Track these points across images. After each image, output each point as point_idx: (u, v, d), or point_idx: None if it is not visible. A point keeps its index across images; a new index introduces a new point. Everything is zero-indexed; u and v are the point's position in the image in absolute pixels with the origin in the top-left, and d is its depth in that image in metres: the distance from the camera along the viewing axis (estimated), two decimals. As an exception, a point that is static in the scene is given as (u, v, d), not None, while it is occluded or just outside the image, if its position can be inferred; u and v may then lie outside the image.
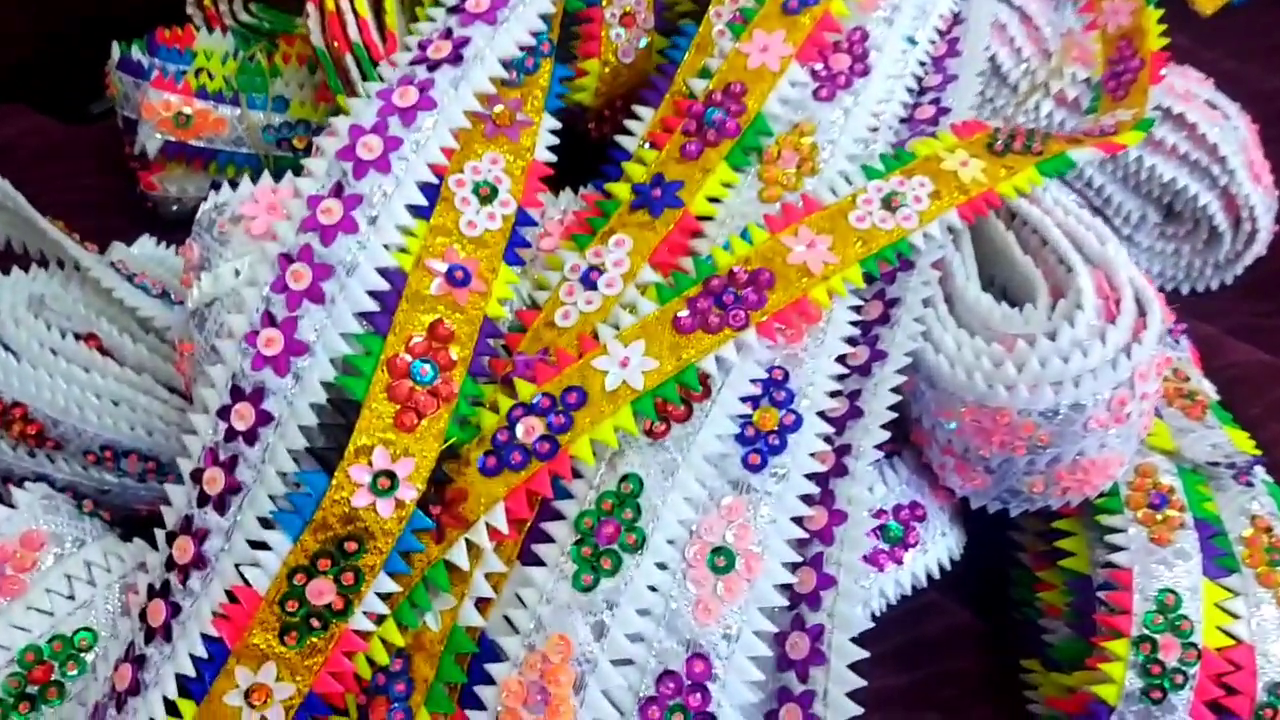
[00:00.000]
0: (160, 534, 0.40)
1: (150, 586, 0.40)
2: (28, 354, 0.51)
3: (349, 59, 0.59)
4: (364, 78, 0.59)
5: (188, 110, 0.64)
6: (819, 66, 0.47)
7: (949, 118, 0.50)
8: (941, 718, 0.50)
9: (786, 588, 0.39)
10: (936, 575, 0.48)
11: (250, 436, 0.38)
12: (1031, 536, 0.51)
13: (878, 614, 0.47)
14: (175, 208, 0.68)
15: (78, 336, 0.52)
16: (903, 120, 0.50)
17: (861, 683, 0.39)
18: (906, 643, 0.51)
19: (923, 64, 0.51)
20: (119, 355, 0.52)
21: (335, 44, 0.59)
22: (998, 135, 0.48)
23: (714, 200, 0.45)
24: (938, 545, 0.47)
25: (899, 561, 0.46)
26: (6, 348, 0.51)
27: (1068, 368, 0.41)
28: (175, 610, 0.38)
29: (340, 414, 0.38)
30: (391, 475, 0.37)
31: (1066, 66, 0.61)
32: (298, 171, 0.42)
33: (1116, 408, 0.42)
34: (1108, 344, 0.41)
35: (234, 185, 0.44)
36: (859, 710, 0.38)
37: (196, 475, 0.39)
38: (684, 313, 0.41)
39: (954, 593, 0.52)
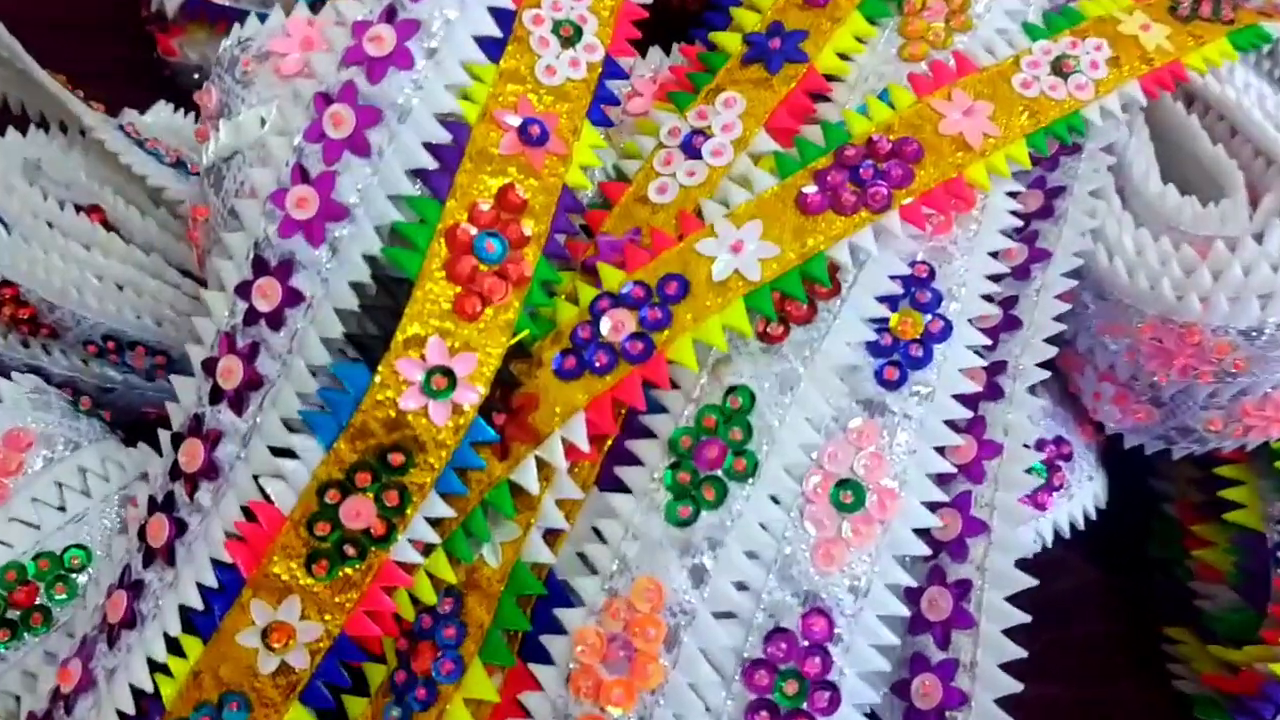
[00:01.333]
0: (165, 435, 0.33)
1: (151, 499, 0.33)
2: (20, 226, 0.44)
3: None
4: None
5: (211, -39, 0.56)
6: (975, -97, 0.39)
7: (1118, -22, 0.41)
8: (1067, 690, 0.43)
9: (926, 533, 0.32)
10: (1081, 526, 0.40)
11: (275, 319, 0.31)
12: (1183, 484, 0.44)
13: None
14: (197, 76, 0.60)
15: (78, 208, 0.45)
16: (1062, -20, 0.41)
17: (1021, 652, 0.32)
18: (1026, 604, 0.44)
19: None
20: (125, 231, 0.45)
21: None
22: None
23: (845, 57, 0.37)
24: (1084, 491, 0.40)
25: (1042, 507, 0.39)
26: (-4, 218, 0.44)
27: (1278, 277, 0.34)
28: (180, 528, 0.32)
29: (388, 295, 0.31)
30: (449, 373, 0.30)
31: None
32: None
33: (1335, 328, 0.34)
34: (1332, 246, 0.33)
35: (262, 18, 0.36)
36: (1018, 686, 0.31)
37: (209, 365, 0.32)
38: (811, 189, 0.33)
39: (1080, 547, 0.44)
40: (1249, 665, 0.38)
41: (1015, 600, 0.33)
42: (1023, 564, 0.33)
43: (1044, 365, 0.36)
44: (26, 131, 0.47)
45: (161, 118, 0.51)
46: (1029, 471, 0.35)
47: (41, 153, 0.46)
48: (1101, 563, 0.45)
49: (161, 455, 0.34)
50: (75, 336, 0.44)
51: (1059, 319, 0.35)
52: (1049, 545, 0.40)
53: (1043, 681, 0.41)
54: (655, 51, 0.40)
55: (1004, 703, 0.32)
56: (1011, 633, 0.32)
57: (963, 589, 0.32)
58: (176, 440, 0.33)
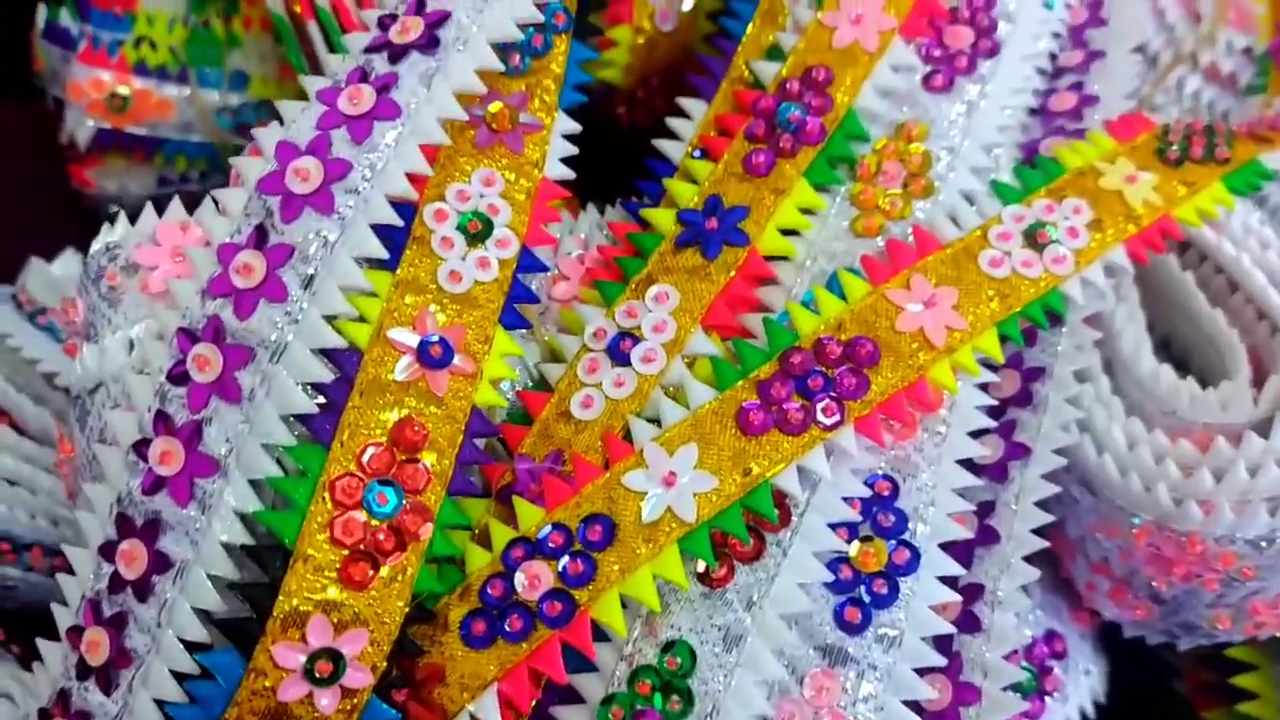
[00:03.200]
0: (32, 708, 0.29)
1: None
2: (-99, 417, 0.40)
3: (313, 27, 0.47)
4: (332, 52, 0.47)
5: (124, 90, 0.52)
6: (931, 44, 0.35)
7: (1096, 110, 0.37)
8: None
9: (898, 802, 0.28)
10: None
11: (142, 588, 0.27)
12: (1192, 661, 0.40)
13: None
14: (115, 209, 0.56)
15: (-35, 395, 0.41)
16: (1033, 112, 0.37)
17: None
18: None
19: (1058, 36, 0.38)
20: (17, 420, 0.41)
21: (296, 7, 0.47)
22: (1169, 137, 0.35)
23: (790, 234, 0.32)
24: (1080, 689, 0.36)
25: (1034, 718, 0.34)
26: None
27: (1290, 478, 0.30)
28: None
29: (261, 565, 0.27)
30: (335, 656, 0.26)
31: (1221, 32, 0.48)
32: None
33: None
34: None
35: (159, 206, 0.32)
36: None
37: (75, 635, 0.28)
38: (753, 403, 0.29)
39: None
40: None
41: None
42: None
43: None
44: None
45: (70, 270, 0.47)
46: (1016, 689, 0.31)
47: (-74, 330, 0.42)
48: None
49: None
50: (-35, 538, 0.40)
51: (1040, 530, 0.31)
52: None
53: None
54: (587, 215, 0.36)
55: None
56: None
57: None
58: (43, 716, 0.29)
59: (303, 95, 0.33)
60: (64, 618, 0.29)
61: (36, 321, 0.42)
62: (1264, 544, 0.30)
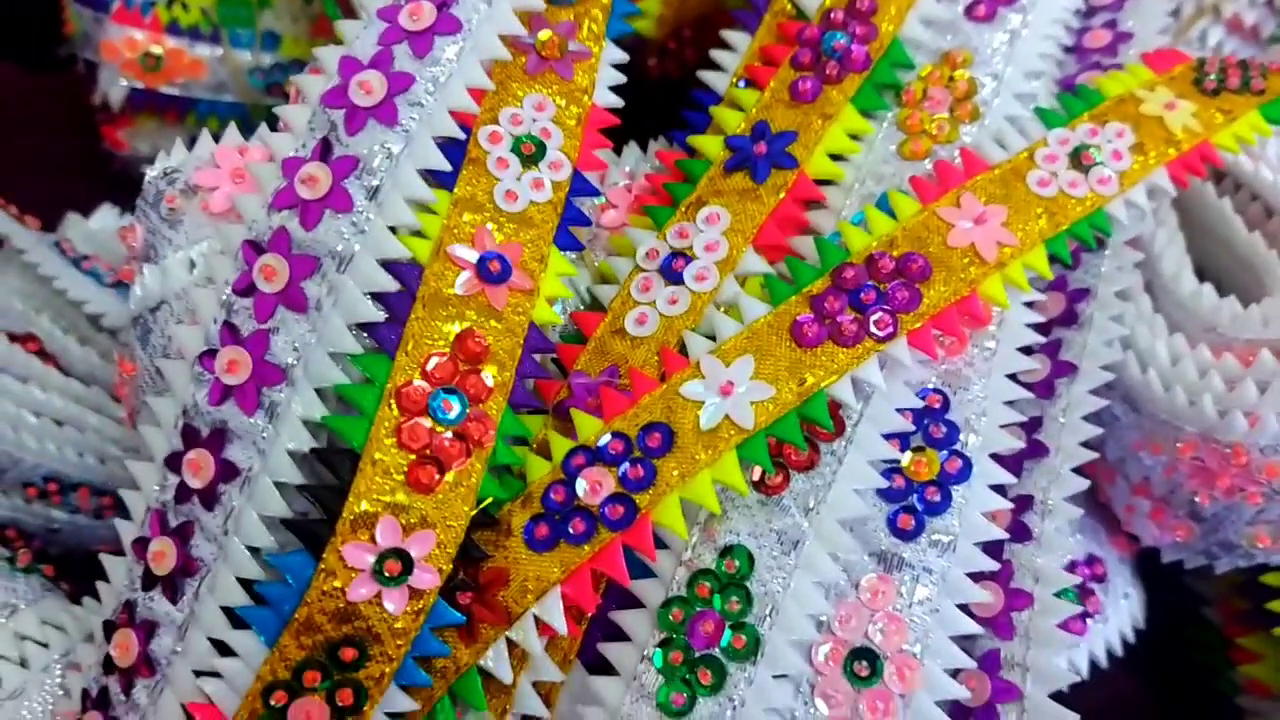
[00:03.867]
0: (96, 622, 0.30)
1: (85, 693, 0.29)
2: (-50, 359, 0.40)
3: (350, -20, 0.47)
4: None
5: (157, 50, 0.53)
6: (973, -26, 0.35)
7: (1130, 46, 0.38)
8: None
9: (954, 704, 0.28)
10: (1119, 651, 0.36)
11: (209, 497, 0.28)
12: (1225, 588, 0.40)
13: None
14: (147, 168, 0.57)
15: (12, 338, 0.42)
16: (1068, 50, 0.38)
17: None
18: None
19: (1092, -27, 0.39)
20: (64, 361, 0.42)
21: (334, -38, 0.47)
22: (1205, 68, 0.36)
23: (838, 158, 0.33)
24: (1120, 612, 0.37)
25: (1078, 634, 0.35)
26: (-77, 352, 0.40)
27: (1332, 388, 0.30)
28: (112, 727, 0.28)
29: (331, 469, 0.27)
30: (403, 556, 0.26)
31: (1244, -17, 0.49)
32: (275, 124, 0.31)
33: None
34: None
35: (190, 144, 0.33)
36: None
37: (140, 546, 0.29)
38: (807, 317, 0.29)
39: (1119, 658, 0.41)
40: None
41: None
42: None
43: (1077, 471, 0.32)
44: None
45: (107, 222, 0.48)
46: (1060, 595, 0.32)
47: (-27, 276, 0.43)
48: (1142, 674, 0.41)
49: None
50: (13, 478, 0.40)
51: (1088, 444, 0.31)
52: (1084, 676, 0.36)
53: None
54: (631, 150, 0.37)
55: None
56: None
57: (997, 768, 0.28)
58: (109, 628, 0.29)
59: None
60: (128, 531, 0.29)
61: (81, 267, 0.42)
62: (1309, 453, 0.30)
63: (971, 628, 0.28)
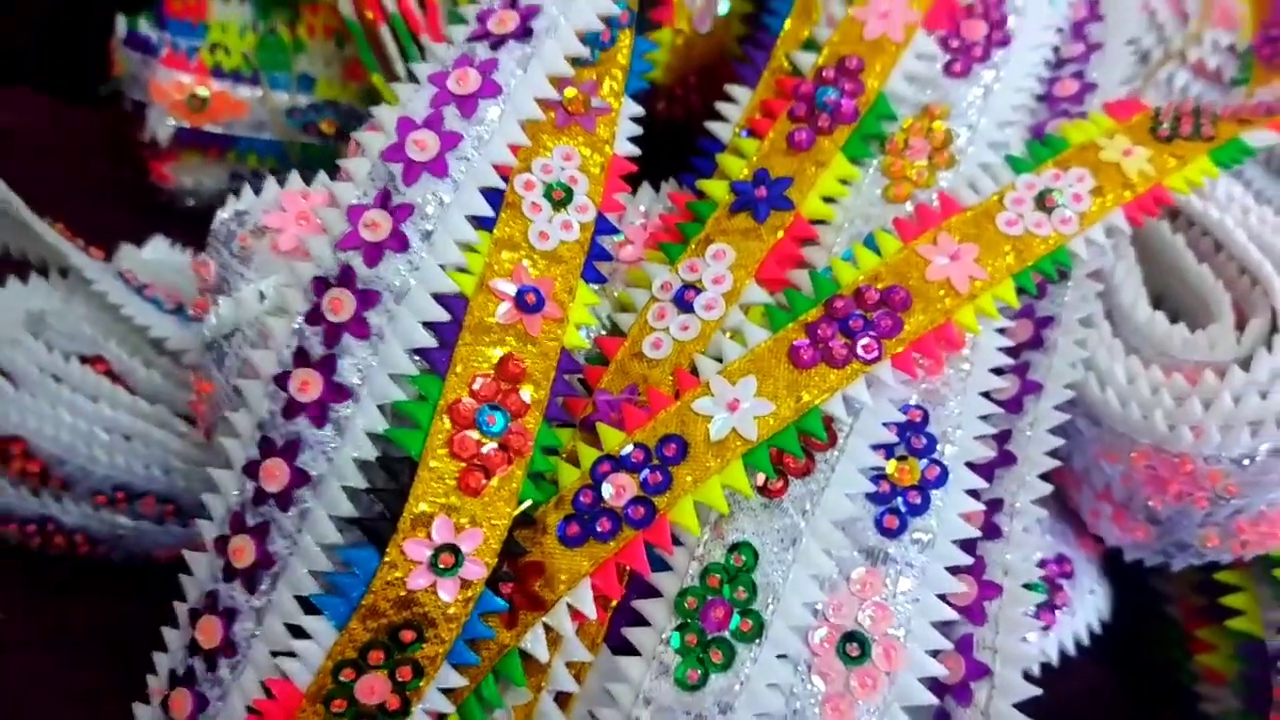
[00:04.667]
0: (181, 610, 0.34)
1: (172, 673, 0.33)
2: (26, 381, 0.44)
3: (385, 31, 0.51)
4: (402, 53, 0.52)
5: (203, 92, 0.57)
6: (950, 35, 0.40)
7: (1095, 95, 0.42)
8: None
9: (934, 680, 0.32)
10: (1086, 642, 0.41)
11: (284, 499, 0.32)
12: (1184, 586, 0.44)
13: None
14: (191, 201, 0.61)
15: (83, 360, 0.46)
16: (1040, 98, 0.42)
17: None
18: (1041, 710, 0.44)
19: (1060, 30, 0.43)
20: (130, 382, 0.45)
21: (369, 14, 0.52)
22: (1160, 117, 0.40)
23: (830, 200, 0.37)
24: (1086, 606, 0.41)
25: (1045, 627, 0.39)
26: (2, 373, 0.44)
27: (1266, 404, 0.34)
28: (202, 703, 0.32)
29: (390, 475, 0.31)
30: (455, 551, 0.30)
31: (1206, 31, 0.53)
32: (326, 161, 0.35)
33: (1326, 450, 0.34)
34: (1319, 373, 0.34)
35: (256, 187, 0.37)
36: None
37: (221, 543, 0.33)
38: (803, 342, 0.33)
39: (1088, 650, 0.45)
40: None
41: (1026, 705, 0.33)
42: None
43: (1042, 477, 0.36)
44: (27, 279, 0.48)
45: (159, 253, 0.52)
46: (1030, 588, 0.36)
47: (44, 304, 0.47)
48: (1110, 665, 0.45)
49: (181, 599, 0.34)
50: (84, 488, 0.44)
51: (1052, 453, 0.35)
52: (1054, 663, 0.40)
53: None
54: (645, 190, 0.41)
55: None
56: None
57: (969, 736, 0.32)
58: (194, 615, 0.33)
59: (369, 95, 0.37)
60: (210, 530, 0.33)
61: (143, 294, 0.46)
62: (1246, 462, 0.34)
63: (949, 615, 0.33)
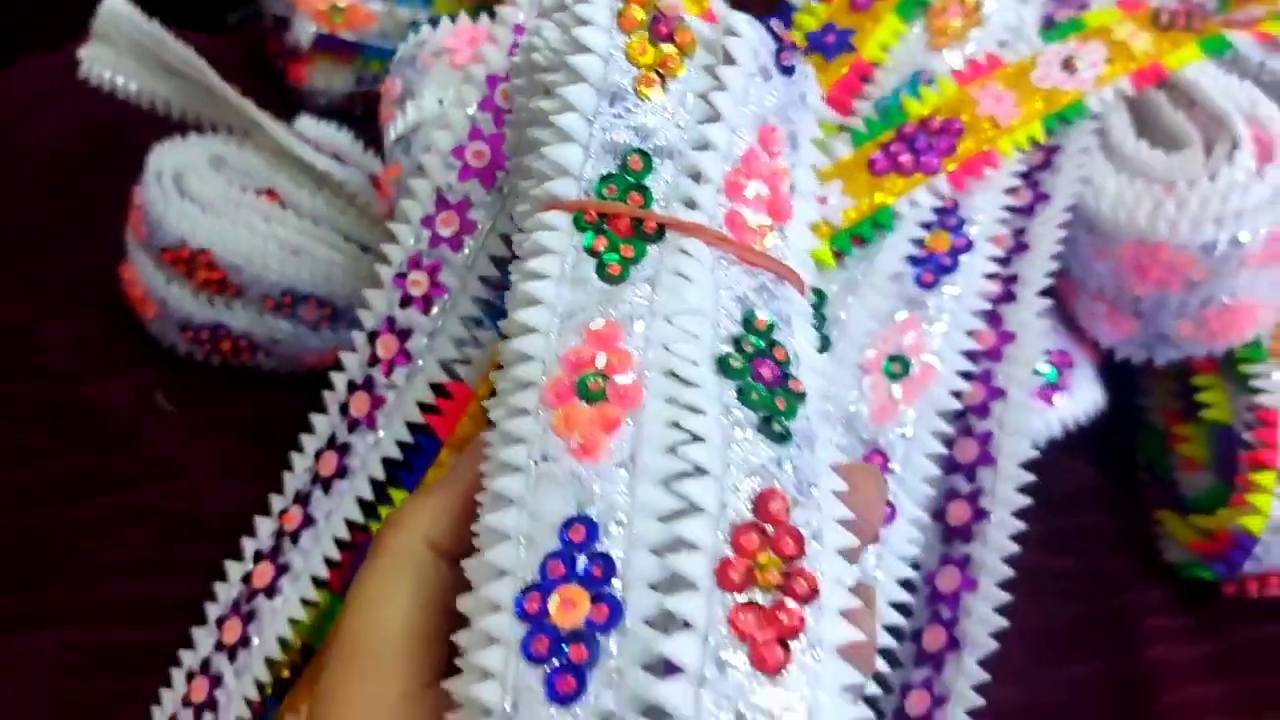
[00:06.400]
0: (359, 336, 0.42)
1: (351, 382, 0.41)
2: (212, 206, 0.54)
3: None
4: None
5: (341, 3, 0.67)
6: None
7: (1099, -8, 0.51)
8: (1078, 563, 0.51)
9: (958, 397, 0.41)
10: (1084, 421, 0.49)
11: (456, 243, 0.40)
12: (1165, 397, 0.53)
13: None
14: (322, 100, 0.71)
15: (257, 191, 0.55)
16: (1050, -4, 0.52)
17: (1029, 477, 0.41)
18: (1038, 500, 0.53)
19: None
20: (297, 208, 0.55)
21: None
22: (1160, 12, 0.49)
23: (884, 48, 0.47)
24: (1084, 394, 0.49)
25: (1049, 403, 0.48)
26: (194, 201, 0.54)
27: (1227, 205, 0.43)
28: (379, 402, 0.40)
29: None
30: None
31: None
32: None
33: (1273, 245, 0.43)
34: (1266, 180, 0.43)
35: (433, 23, 0.47)
36: (1026, 501, 0.40)
37: (400, 279, 0.41)
38: (879, 155, 0.43)
39: (1083, 453, 0.54)
40: (1222, 526, 0.47)
41: (1028, 491, 0.41)
42: (1035, 467, 0.42)
43: (1046, 293, 0.46)
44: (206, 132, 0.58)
45: (307, 128, 0.62)
46: (1037, 374, 0.44)
47: (224, 149, 0.57)
48: (1101, 465, 0.54)
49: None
50: (257, 292, 0.54)
51: (1057, 257, 0.45)
52: (1056, 438, 0.49)
53: (1053, 557, 0.51)
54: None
55: (1018, 538, 0.41)
56: (1025, 516, 0.41)
57: (986, 438, 0.41)
58: (371, 336, 0.42)
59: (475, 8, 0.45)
60: (387, 272, 0.42)
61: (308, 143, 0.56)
62: (1210, 248, 0.43)
63: (973, 345, 0.42)
